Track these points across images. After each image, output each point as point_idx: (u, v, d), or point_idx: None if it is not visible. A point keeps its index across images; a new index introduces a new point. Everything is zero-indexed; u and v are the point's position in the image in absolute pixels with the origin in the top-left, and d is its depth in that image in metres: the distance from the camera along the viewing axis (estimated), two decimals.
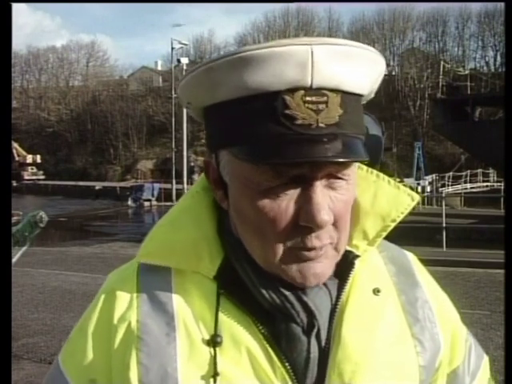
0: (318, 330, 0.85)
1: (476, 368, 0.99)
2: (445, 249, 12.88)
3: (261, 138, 0.76)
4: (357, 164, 0.86)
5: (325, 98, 0.76)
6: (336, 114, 0.77)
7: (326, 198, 0.79)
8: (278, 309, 0.84)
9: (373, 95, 0.88)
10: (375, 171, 0.95)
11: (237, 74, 0.76)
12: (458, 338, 0.97)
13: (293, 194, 0.79)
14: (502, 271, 9.46)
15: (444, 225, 13.41)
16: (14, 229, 7.79)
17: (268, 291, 0.84)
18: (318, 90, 0.76)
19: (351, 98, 0.79)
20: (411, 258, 1.01)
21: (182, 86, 0.85)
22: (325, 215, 0.77)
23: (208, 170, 0.90)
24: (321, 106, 0.76)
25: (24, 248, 8.06)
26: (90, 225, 29.49)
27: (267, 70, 0.75)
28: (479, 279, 10.15)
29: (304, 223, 0.78)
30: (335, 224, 0.81)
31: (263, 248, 0.81)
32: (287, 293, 0.84)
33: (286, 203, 0.78)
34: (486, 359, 1.03)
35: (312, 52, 0.74)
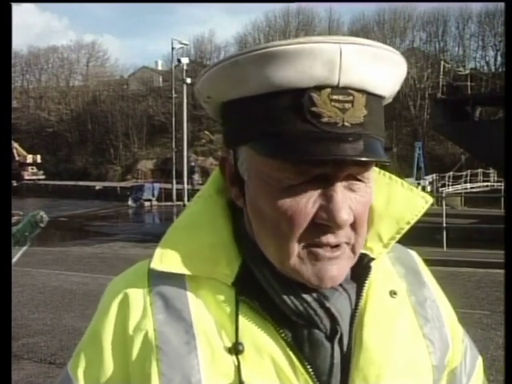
0: (341, 336, 0.84)
1: (471, 368, 1.00)
2: (445, 249, 12.89)
3: (286, 134, 0.76)
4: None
5: (351, 98, 0.76)
6: (361, 114, 0.77)
7: (347, 199, 0.79)
8: (301, 315, 0.83)
9: (391, 100, 0.88)
10: (388, 173, 0.95)
11: (263, 69, 0.76)
12: (456, 338, 0.97)
13: (313, 192, 0.78)
14: (502, 271, 9.45)
15: (444, 225, 13.42)
16: (14, 229, 7.79)
17: (290, 297, 0.82)
18: (345, 89, 0.76)
19: (375, 100, 0.80)
20: (416, 257, 1.01)
21: (204, 80, 0.84)
22: (345, 214, 0.77)
23: (224, 166, 0.89)
24: (347, 105, 0.76)
25: (24, 248, 8.06)
26: (90, 225, 29.48)
27: (295, 66, 0.75)
28: (480, 279, 10.15)
29: (323, 221, 0.78)
30: (353, 225, 0.80)
31: (279, 247, 0.80)
32: (309, 299, 0.83)
33: (305, 201, 0.78)
34: (480, 360, 1.03)
35: (341, 51, 0.74)
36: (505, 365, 1.21)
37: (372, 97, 0.79)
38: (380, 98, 0.82)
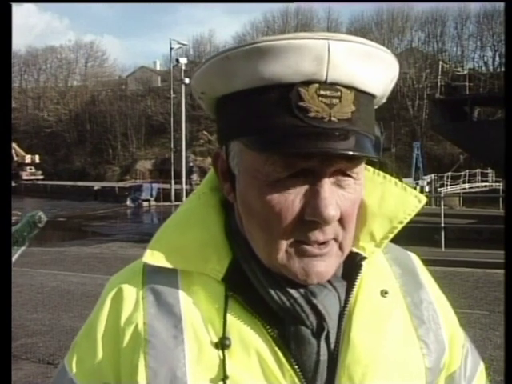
0: (328, 333, 0.84)
1: (471, 375, 0.99)
2: (443, 249, 12.89)
3: (273, 128, 0.76)
4: (364, 164, 0.86)
5: (338, 94, 0.76)
6: (349, 111, 0.77)
7: (334, 195, 0.79)
8: (288, 311, 0.83)
9: (384, 100, 0.88)
10: (382, 173, 0.95)
11: (253, 64, 0.77)
12: (456, 341, 0.97)
13: (301, 188, 0.78)
14: (500, 271, 9.46)
15: (443, 225, 13.42)
16: (12, 229, 7.78)
17: (277, 293, 0.83)
18: (333, 85, 0.76)
19: (364, 97, 0.80)
20: (414, 258, 1.01)
21: (197, 76, 0.85)
22: (332, 210, 0.77)
23: (217, 162, 0.89)
24: (334, 101, 0.76)
25: (23, 248, 8.06)
26: (88, 225, 29.49)
27: (283, 61, 0.75)
28: (478, 279, 10.15)
29: (310, 218, 0.78)
30: (341, 221, 0.81)
31: (268, 242, 0.81)
32: (297, 295, 0.83)
33: (293, 197, 0.78)
34: (482, 366, 1.03)
35: (329, 47, 0.75)
36: (505, 365, 1.21)
37: (361, 94, 0.79)
38: (370, 95, 0.82)
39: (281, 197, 0.78)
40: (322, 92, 0.76)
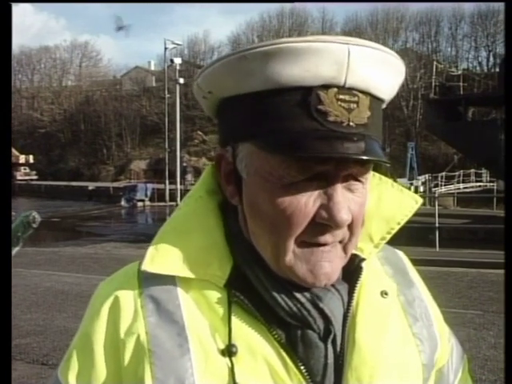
0: (334, 336, 0.84)
1: (458, 367, 1.01)
2: (438, 249, 12.92)
3: (291, 131, 0.76)
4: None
5: (356, 98, 0.77)
6: (365, 116, 0.77)
7: (346, 199, 0.79)
8: (295, 316, 0.82)
9: (384, 105, 0.88)
10: (377, 174, 0.95)
11: (271, 65, 0.76)
12: (443, 336, 0.98)
13: (313, 191, 0.78)
14: (494, 271, 9.50)
15: (437, 225, 13.45)
16: None
17: (283, 298, 0.82)
18: (350, 90, 0.76)
19: (377, 102, 0.80)
20: (403, 256, 1.02)
21: (207, 74, 0.83)
22: (344, 214, 0.77)
23: (219, 163, 0.88)
24: (352, 106, 0.76)
25: (17, 248, 8.02)
26: (83, 225, 29.44)
27: (303, 64, 0.75)
28: (472, 279, 10.17)
29: (322, 221, 0.78)
30: (350, 225, 0.81)
31: (276, 244, 0.80)
32: (303, 299, 0.83)
33: (305, 200, 0.78)
34: (465, 358, 1.05)
35: (349, 51, 0.75)
36: (505, 365, 1.21)
37: (374, 99, 0.80)
38: (381, 101, 0.82)
39: (293, 199, 0.78)
40: (340, 96, 0.76)
